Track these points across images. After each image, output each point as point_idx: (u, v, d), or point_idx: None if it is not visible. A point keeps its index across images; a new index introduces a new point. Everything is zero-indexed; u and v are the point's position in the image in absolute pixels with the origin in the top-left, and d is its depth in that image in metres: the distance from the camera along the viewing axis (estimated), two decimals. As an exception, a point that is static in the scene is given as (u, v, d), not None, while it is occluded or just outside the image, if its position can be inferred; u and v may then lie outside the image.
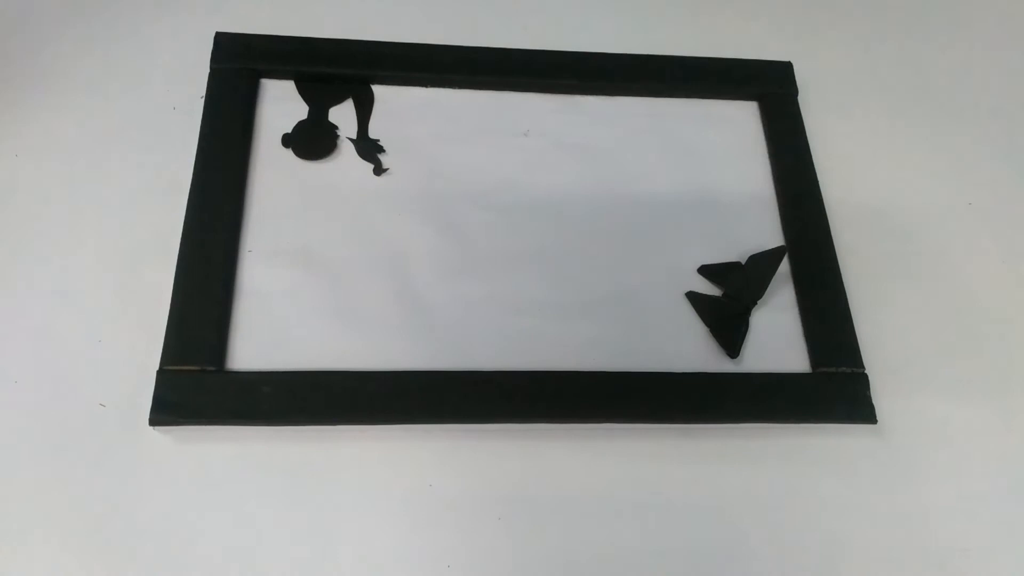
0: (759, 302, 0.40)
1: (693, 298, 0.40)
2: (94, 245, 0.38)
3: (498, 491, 0.35)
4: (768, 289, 0.39)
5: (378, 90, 0.44)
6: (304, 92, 0.43)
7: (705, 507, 0.36)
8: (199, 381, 0.35)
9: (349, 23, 0.45)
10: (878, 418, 0.37)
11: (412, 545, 0.34)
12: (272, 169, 0.41)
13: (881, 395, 0.38)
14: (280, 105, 0.43)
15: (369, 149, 0.42)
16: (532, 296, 0.39)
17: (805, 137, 0.45)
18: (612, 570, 0.34)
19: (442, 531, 0.34)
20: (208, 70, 0.42)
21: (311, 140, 0.42)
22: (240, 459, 0.34)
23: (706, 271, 0.41)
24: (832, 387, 0.38)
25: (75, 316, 0.36)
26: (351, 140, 0.42)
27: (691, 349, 0.39)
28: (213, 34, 0.43)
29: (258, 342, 0.36)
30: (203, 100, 0.41)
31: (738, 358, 0.39)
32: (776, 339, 0.40)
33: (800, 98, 0.46)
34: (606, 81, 0.45)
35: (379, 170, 0.41)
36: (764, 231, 0.42)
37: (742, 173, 0.43)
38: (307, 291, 0.38)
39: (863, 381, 0.38)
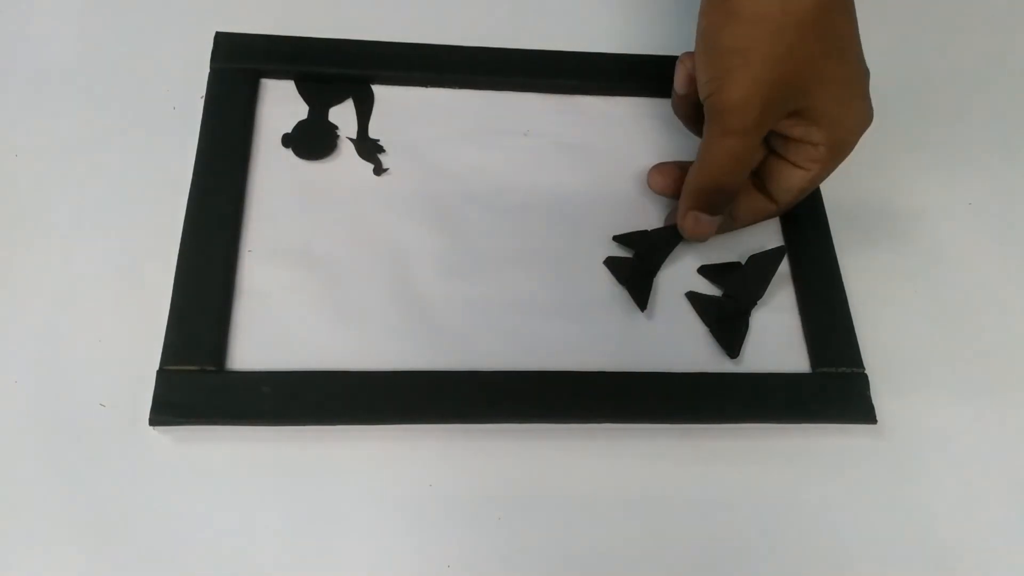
0: (759, 302, 0.40)
1: (693, 298, 0.40)
2: (94, 245, 0.38)
3: (498, 491, 0.35)
4: (768, 289, 0.39)
5: (378, 90, 0.44)
6: (304, 92, 0.43)
7: (705, 507, 0.36)
8: (199, 381, 0.35)
9: (349, 23, 0.45)
10: (878, 418, 0.37)
11: (412, 545, 0.34)
12: (272, 169, 0.41)
13: (881, 395, 0.38)
14: (280, 105, 0.43)
15: (369, 149, 0.42)
16: (532, 296, 0.39)
17: (805, 137, 0.45)
18: (612, 570, 0.34)
19: (442, 531, 0.34)
20: (208, 70, 0.42)
21: (311, 140, 0.42)
22: (240, 459, 0.34)
23: (706, 271, 0.41)
24: (832, 387, 0.38)
25: (75, 316, 0.36)
26: (351, 140, 0.42)
27: (691, 349, 0.39)
28: (213, 34, 0.43)
29: (258, 342, 0.36)
30: (203, 100, 0.41)
31: (738, 358, 0.39)
32: (776, 339, 0.40)
33: (800, 98, 0.46)
34: (606, 81, 0.45)
35: (379, 170, 0.41)
36: (764, 231, 0.42)
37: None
38: (307, 291, 0.38)
39: (863, 381, 0.38)
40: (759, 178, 0.39)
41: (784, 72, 0.33)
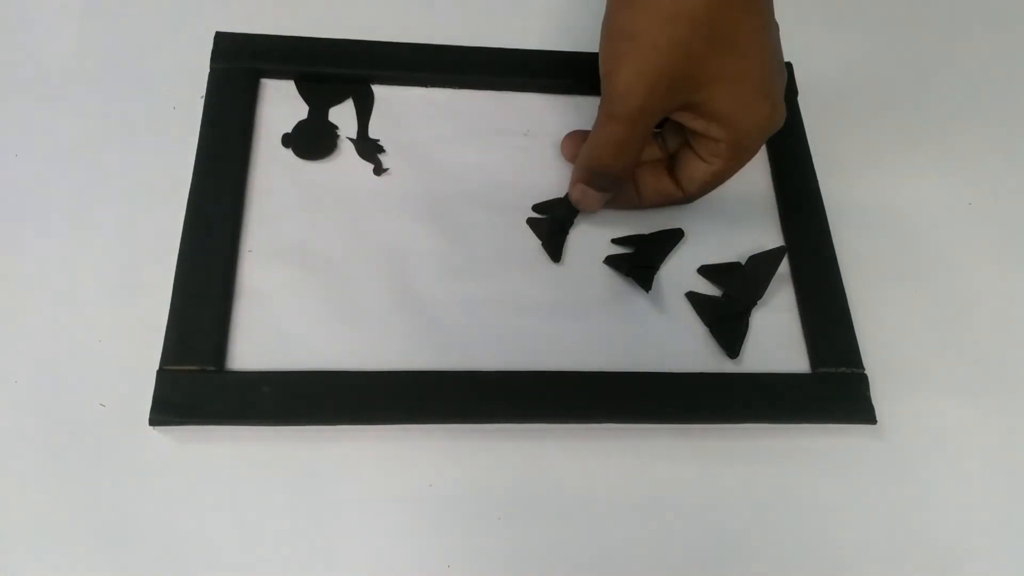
0: (759, 302, 0.40)
1: (693, 298, 0.40)
2: (94, 245, 0.38)
3: (498, 491, 0.35)
4: (768, 289, 0.39)
5: (378, 90, 0.44)
6: (304, 92, 0.43)
7: (705, 507, 0.36)
8: (199, 381, 0.35)
9: (349, 23, 0.45)
10: (878, 418, 0.37)
11: (412, 545, 0.34)
12: (272, 169, 0.41)
13: (881, 395, 0.38)
14: (280, 105, 0.43)
15: (369, 149, 0.42)
16: (532, 296, 0.39)
17: (805, 137, 0.45)
18: (612, 570, 0.34)
19: (442, 531, 0.34)
20: (208, 70, 0.42)
21: (311, 140, 0.42)
22: (240, 459, 0.34)
23: (706, 271, 0.41)
24: (832, 387, 0.38)
25: (75, 316, 0.36)
26: (351, 140, 0.42)
27: (691, 349, 0.39)
28: (213, 34, 0.43)
29: (258, 342, 0.36)
30: (203, 100, 0.41)
31: (738, 358, 0.39)
32: (776, 339, 0.40)
33: (800, 98, 0.46)
34: (606, 81, 0.45)
35: (379, 170, 0.41)
36: (764, 231, 0.42)
37: (742, 173, 0.43)
38: (307, 291, 0.38)
39: (863, 381, 0.38)
40: (672, 163, 0.39)
41: (673, 64, 0.33)
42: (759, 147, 0.37)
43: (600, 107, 0.36)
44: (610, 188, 0.38)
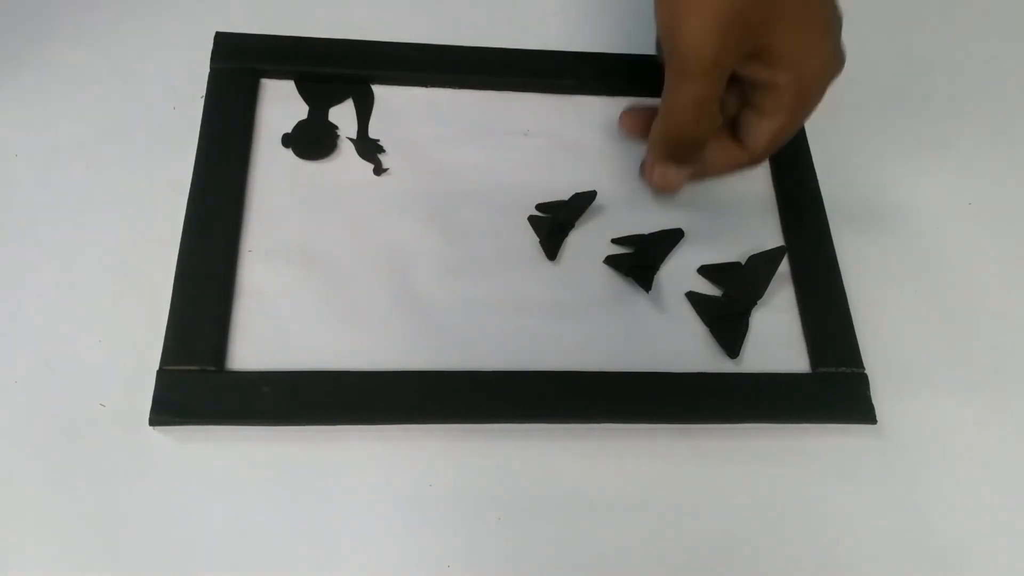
0: (759, 302, 0.40)
1: (693, 298, 0.40)
2: (94, 245, 0.38)
3: (498, 491, 0.35)
4: (768, 289, 0.39)
5: (378, 90, 0.44)
6: (304, 92, 0.43)
7: (705, 507, 0.36)
8: (199, 381, 0.35)
9: (349, 23, 0.45)
10: (878, 418, 0.37)
11: (412, 545, 0.34)
12: (272, 169, 0.41)
13: (881, 395, 0.38)
14: (280, 105, 0.43)
15: (369, 149, 0.42)
16: (532, 296, 0.39)
17: (805, 137, 0.45)
18: (612, 570, 0.34)
19: (442, 531, 0.34)
20: (208, 70, 0.42)
21: (311, 140, 0.42)
22: (240, 459, 0.34)
23: (706, 271, 0.41)
24: (832, 387, 0.38)
25: (75, 316, 0.36)
26: (351, 140, 0.42)
27: (691, 349, 0.39)
28: (213, 34, 0.43)
29: (258, 342, 0.36)
30: (203, 100, 0.41)
31: (738, 358, 0.39)
32: (776, 339, 0.40)
33: (800, 98, 0.46)
34: (606, 81, 0.45)
35: (379, 170, 0.42)
36: (764, 231, 0.42)
37: (742, 173, 0.43)
38: (307, 291, 0.38)
39: (863, 381, 0.38)
40: (733, 128, 0.38)
41: (741, 6, 0.31)
42: (822, 95, 0.35)
43: (668, 70, 0.33)
44: (693, 159, 0.36)
